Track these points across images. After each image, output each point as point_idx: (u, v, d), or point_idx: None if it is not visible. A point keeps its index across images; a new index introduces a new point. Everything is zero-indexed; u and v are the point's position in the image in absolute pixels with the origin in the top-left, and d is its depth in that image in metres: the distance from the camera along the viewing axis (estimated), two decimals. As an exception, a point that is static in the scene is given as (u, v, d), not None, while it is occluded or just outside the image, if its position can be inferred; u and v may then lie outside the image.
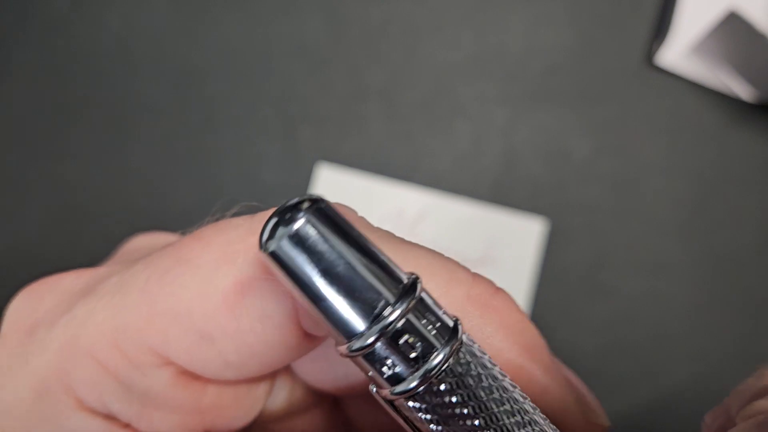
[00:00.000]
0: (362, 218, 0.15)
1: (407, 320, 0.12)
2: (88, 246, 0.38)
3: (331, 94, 0.39)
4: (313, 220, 0.12)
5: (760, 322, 0.38)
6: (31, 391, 0.15)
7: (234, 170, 0.39)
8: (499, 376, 0.13)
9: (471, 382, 0.12)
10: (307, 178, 0.39)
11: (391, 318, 0.12)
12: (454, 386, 0.12)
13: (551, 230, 0.38)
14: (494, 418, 0.12)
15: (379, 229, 0.15)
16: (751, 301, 0.38)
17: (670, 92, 0.39)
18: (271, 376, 0.17)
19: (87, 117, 0.39)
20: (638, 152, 0.39)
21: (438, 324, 0.12)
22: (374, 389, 0.13)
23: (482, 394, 0.12)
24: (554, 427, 0.13)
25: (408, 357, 0.12)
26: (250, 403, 0.16)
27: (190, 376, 0.15)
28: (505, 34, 0.40)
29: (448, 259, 0.15)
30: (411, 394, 0.12)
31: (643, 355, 0.37)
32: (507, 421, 0.12)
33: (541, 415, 0.13)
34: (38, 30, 0.40)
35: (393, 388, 0.12)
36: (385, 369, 0.12)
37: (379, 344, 0.12)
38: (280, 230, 0.12)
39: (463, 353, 0.12)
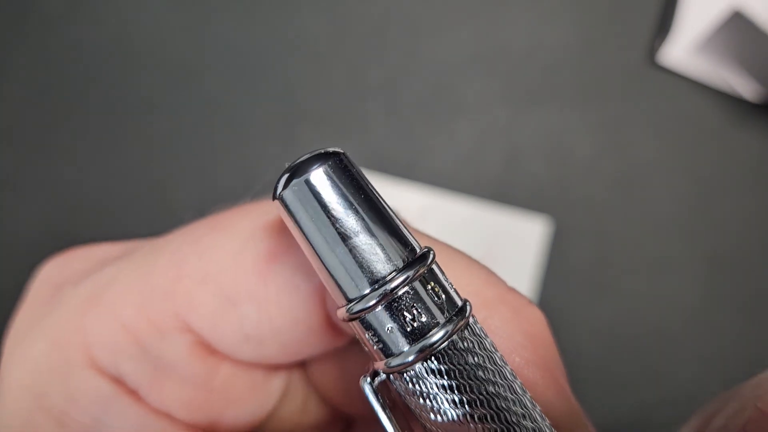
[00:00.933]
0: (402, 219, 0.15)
1: (413, 289, 0.11)
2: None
3: (331, 92, 0.39)
4: (329, 171, 0.11)
5: (761, 321, 0.38)
6: (48, 342, 0.15)
7: (234, 169, 0.39)
8: (500, 362, 0.12)
9: (472, 360, 0.11)
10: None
11: (396, 282, 0.11)
12: (454, 365, 0.11)
13: (553, 229, 0.38)
14: (491, 403, 0.11)
15: (419, 233, 0.14)
16: (753, 301, 0.38)
17: (673, 91, 0.39)
18: (286, 373, 0.17)
19: (86, 117, 0.39)
20: (641, 151, 0.39)
21: (445, 299, 0.12)
22: (366, 380, 0.12)
23: (482, 374, 0.11)
24: (552, 427, 0.12)
25: (408, 328, 0.11)
26: (261, 398, 0.16)
27: (207, 349, 0.15)
28: (507, 33, 0.40)
29: (488, 268, 0.14)
30: (406, 368, 0.11)
31: (645, 353, 0.37)
32: (503, 406, 0.12)
33: (540, 413, 0.12)
34: (37, 30, 0.40)
35: (389, 360, 0.11)
36: (383, 338, 0.11)
37: (379, 309, 0.11)
38: (295, 178, 0.11)
39: (468, 332, 0.12)
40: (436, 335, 0.11)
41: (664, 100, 0.39)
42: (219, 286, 0.14)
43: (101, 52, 0.40)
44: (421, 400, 0.11)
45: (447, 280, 0.12)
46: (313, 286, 0.13)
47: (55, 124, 0.39)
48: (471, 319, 0.12)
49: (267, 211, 0.14)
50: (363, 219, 0.11)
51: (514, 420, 0.11)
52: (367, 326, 0.11)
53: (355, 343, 0.15)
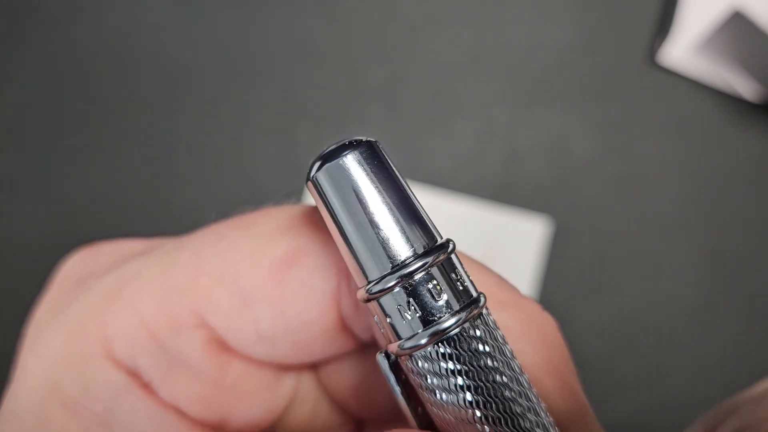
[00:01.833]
0: None
1: (430, 274, 0.12)
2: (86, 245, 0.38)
3: (330, 93, 0.39)
4: (360, 157, 0.12)
5: (761, 321, 0.38)
6: (67, 332, 0.15)
7: (233, 170, 0.39)
8: (509, 355, 0.12)
9: (482, 349, 0.12)
10: (306, 177, 0.38)
11: (415, 266, 0.12)
12: (463, 351, 0.12)
13: (553, 229, 0.38)
14: (496, 392, 0.12)
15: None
16: (753, 300, 0.38)
17: (672, 91, 0.39)
18: (297, 375, 0.17)
19: (85, 117, 0.39)
20: (641, 151, 0.39)
21: (461, 288, 0.12)
22: (382, 355, 0.13)
23: (490, 363, 0.12)
24: (554, 423, 0.13)
25: (423, 312, 0.12)
26: (271, 397, 0.16)
27: (220, 346, 0.15)
28: (507, 33, 0.40)
29: (500, 275, 0.15)
30: (418, 350, 0.12)
31: (645, 353, 0.37)
32: (508, 396, 0.12)
33: (545, 409, 0.13)
34: (37, 30, 0.40)
35: (402, 342, 0.12)
36: (398, 320, 0.12)
37: (397, 290, 0.12)
38: (328, 162, 0.12)
39: (480, 322, 0.12)
40: (449, 321, 0.12)
41: (664, 100, 0.39)
42: (236, 286, 0.14)
43: (101, 53, 0.40)
44: (430, 382, 0.12)
45: (465, 271, 0.13)
46: (328, 290, 0.14)
47: (55, 125, 0.39)
48: (484, 311, 0.12)
49: (287, 214, 0.15)
50: (389, 205, 0.12)
51: (517, 411, 0.12)
52: (385, 307, 0.12)
53: (367, 346, 0.15)
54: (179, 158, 0.39)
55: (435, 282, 0.12)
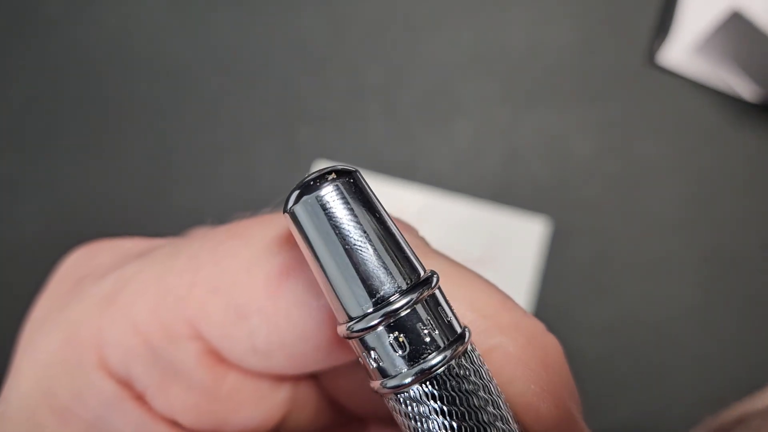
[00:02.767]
0: (422, 239, 0.15)
1: (415, 311, 0.11)
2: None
3: (330, 92, 0.39)
4: (340, 188, 0.11)
5: (761, 321, 0.38)
6: (61, 336, 0.15)
7: (232, 169, 0.39)
8: (495, 392, 0.12)
9: (468, 389, 0.12)
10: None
11: (399, 304, 0.11)
12: (449, 390, 0.11)
13: (553, 230, 0.38)
14: (483, 430, 0.12)
15: (438, 254, 0.14)
16: (753, 300, 0.38)
17: (672, 91, 0.39)
18: (296, 383, 0.16)
19: (85, 117, 0.39)
20: (640, 151, 0.39)
21: (446, 325, 0.12)
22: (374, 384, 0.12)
23: (476, 402, 0.12)
24: None
25: (407, 350, 0.11)
26: (268, 407, 0.16)
27: (215, 357, 0.15)
28: (506, 33, 0.40)
29: (504, 293, 0.14)
30: (402, 390, 0.11)
31: (644, 353, 0.37)
32: None
33: None
34: (38, 30, 0.40)
35: (385, 381, 0.12)
36: (381, 358, 0.12)
37: (381, 329, 0.11)
38: (306, 194, 0.11)
39: (465, 359, 0.12)
40: (435, 359, 0.11)
41: (663, 100, 0.39)
42: (230, 297, 0.14)
43: (101, 53, 0.40)
44: (415, 423, 0.12)
45: (449, 305, 0.12)
46: (324, 304, 0.14)
47: (55, 125, 0.39)
48: (469, 347, 0.12)
49: (285, 224, 0.14)
50: (370, 239, 0.11)
51: None
52: (367, 345, 0.12)
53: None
54: (179, 158, 0.39)
55: (419, 319, 0.11)
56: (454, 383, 0.12)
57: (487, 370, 0.12)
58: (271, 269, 0.14)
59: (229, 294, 0.14)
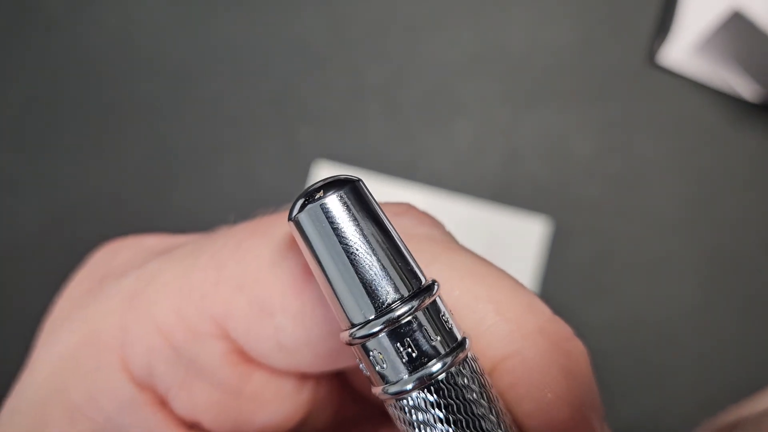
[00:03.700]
0: (448, 233, 0.15)
1: (416, 319, 0.12)
2: (86, 246, 0.38)
3: (330, 92, 0.39)
4: (343, 197, 0.12)
5: (761, 321, 0.38)
6: (82, 335, 0.15)
7: (233, 169, 0.39)
8: (495, 399, 0.12)
9: (468, 396, 0.12)
10: (305, 177, 0.38)
11: (400, 311, 0.12)
12: (450, 397, 0.12)
13: (553, 230, 0.38)
14: None
15: (465, 249, 0.14)
16: (753, 300, 0.38)
17: (672, 91, 0.39)
18: (316, 382, 0.16)
19: (85, 117, 0.39)
20: (641, 151, 0.39)
21: (446, 332, 0.12)
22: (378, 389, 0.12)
23: (477, 410, 0.12)
24: None
25: (408, 357, 0.12)
26: (291, 406, 0.16)
27: (241, 356, 0.15)
28: (507, 33, 0.40)
29: (532, 292, 0.14)
30: (403, 396, 0.12)
31: (645, 353, 0.37)
32: None
33: None
34: (38, 30, 0.40)
35: (386, 386, 0.12)
36: (382, 364, 0.12)
37: (382, 335, 0.12)
38: (310, 202, 0.12)
39: (465, 366, 0.12)
40: (435, 366, 0.12)
41: (663, 100, 0.39)
42: (255, 295, 0.14)
43: (101, 53, 0.40)
44: (415, 429, 0.12)
45: (449, 313, 0.12)
46: None
47: (55, 125, 0.39)
48: (469, 354, 0.12)
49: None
50: (372, 247, 0.12)
51: None
52: (368, 352, 0.12)
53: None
54: (179, 158, 0.39)
55: (420, 326, 0.12)
56: (454, 390, 0.12)
57: (488, 379, 0.13)
58: (296, 266, 0.14)
59: (254, 291, 0.14)
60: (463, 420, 0.12)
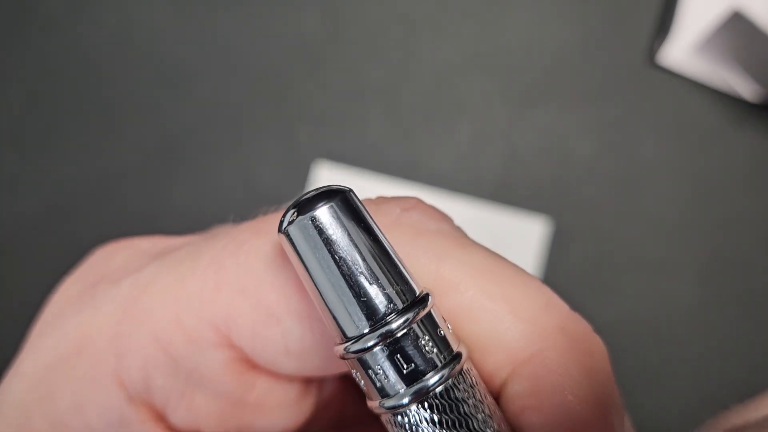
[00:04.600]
0: (458, 228, 0.14)
1: (411, 331, 0.11)
2: (86, 246, 0.38)
3: (330, 92, 0.39)
4: (334, 209, 0.11)
5: (761, 321, 0.38)
6: (72, 342, 0.14)
7: (232, 169, 0.39)
8: (493, 410, 0.12)
9: (465, 409, 0.12)
10: (305, 177, 0.38)
11: (395, 324, 0.11)
12: (447, 410, 0.11)
13: (553, 230, 0.38)
14: None
15: (477, 245, 0.14)
16: (753, 301, 0.38)
17: (672, 91, 0.39)
18: (320, 386, 0.16)
19: (83, 116, 0.39)
20: (641, 151, 0.39)
21: (442, 344, 0.12)
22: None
23: (474, 425, 0.12)
24: None
25: (404, 370, 0.11)
26: (295, 411, 0.15)
27: (244, 364, 0.14)
28: (507, 33, 0.40)
29: (547, 287, 0.14)
30: (400, 411, 0.11)
31: (645, 353, 0.37)
32: None
33: None
34: (38, 30, 0.40)
35: (383, 401, 0.12)
36: (378, 378, 0.12)
37: (377, 349, 0.11)
38: (301, 214, 0.11)
39: (462, 378, 0.12)
40: (432, 379, 0.11)
41: (663, 100, 0.39)
42: (259, 299, 0.13)
43: (101, 53, 0.40)
44: None
45: (445, 324, 0.12)
46: None
47: (55, 125, 0.39)
48: (465, 365, 0.12)
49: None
50: (365, 258, 0.11)
51: None
52: (364, 365, 0.12)
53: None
54: (179, 158, 0.39)
55: (416, 338, 0.11)
56: (450, 402, 0.12)
57: (484, 388, 0.12)
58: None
59: (258, 295, 0.13)
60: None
